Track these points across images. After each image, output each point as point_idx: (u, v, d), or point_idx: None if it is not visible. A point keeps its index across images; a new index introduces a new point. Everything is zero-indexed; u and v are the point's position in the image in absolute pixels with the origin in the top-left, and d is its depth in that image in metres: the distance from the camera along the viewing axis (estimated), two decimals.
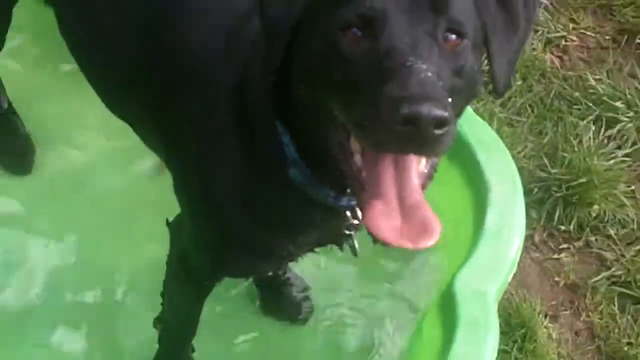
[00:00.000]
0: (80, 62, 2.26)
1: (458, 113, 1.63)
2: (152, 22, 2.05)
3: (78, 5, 2.20)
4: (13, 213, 2.69)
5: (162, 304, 2.33)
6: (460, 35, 1.59)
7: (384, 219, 1.61)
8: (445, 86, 1.54)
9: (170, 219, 2.20)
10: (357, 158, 1.62)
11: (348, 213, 1.77)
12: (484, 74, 1.66)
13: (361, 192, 1.62)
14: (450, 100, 1.52)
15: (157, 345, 2.42)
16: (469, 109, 2.47)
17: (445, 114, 1.44)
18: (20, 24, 2.50)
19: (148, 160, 2.64)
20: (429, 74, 1.50)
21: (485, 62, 1.69)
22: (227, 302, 2.54)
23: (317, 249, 2.10)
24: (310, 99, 1.67)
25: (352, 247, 1.95)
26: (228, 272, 2.27)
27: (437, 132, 1.43)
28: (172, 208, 2.08)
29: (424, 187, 1.66)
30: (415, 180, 1.63)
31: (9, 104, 2.71)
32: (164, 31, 2.01)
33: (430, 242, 1.57)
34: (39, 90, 2.83)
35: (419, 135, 1.44)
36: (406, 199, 1.62)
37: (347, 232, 1.86)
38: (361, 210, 1.68)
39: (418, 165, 1.63)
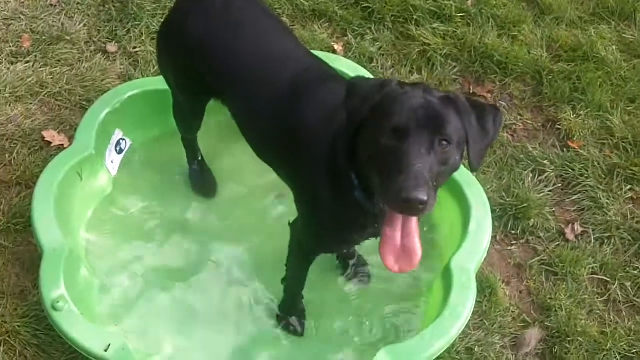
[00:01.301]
0: (243, 131, 3.00)
1: (444, 182, 2.32)
2: (286, 113, 2.74)
3: (243, 103, 2.93)
4: (203, 221, 3.56)
5: (286, 270, 3.14)
6: (448, 142, 2.26)
7: (389, 245, 2.36)
8: (434, 173, 2.21)
9: (291, 221, 3.01)
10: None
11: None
12: (463, 160, 2.35)
13: (384, 222, 2.37)
14: (437, 181, 2.22)
15: (282, 294, 3.26)
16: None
17: (425, 198, 2.12)
18: (209, 113, 3.32)
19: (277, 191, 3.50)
20: (424, 172, 2.17)
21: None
22: (322, 271, 3.33)
23: (369, 239, 2.83)
24: (364, 161, 2.37)
25: None
26: (323, 250, 3.06)
27: (421, 207, 2.15)
28: (292, 216, 2.98)
29: (419, 219, 2.37)
30: (415, 221, 2.36)
31: (203, 159, 3.59)
32: (292, 117, 2.73)
33: (410, 269, 2.36)
34: (218, 150, 3.68)
35: (410, 208, 2.17)
36: (405, 240, 2.35)
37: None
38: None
39: (416, 219, 2.37)
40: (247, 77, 2.84)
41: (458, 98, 2.36)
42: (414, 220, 2.35)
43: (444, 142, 2.25)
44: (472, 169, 2.41)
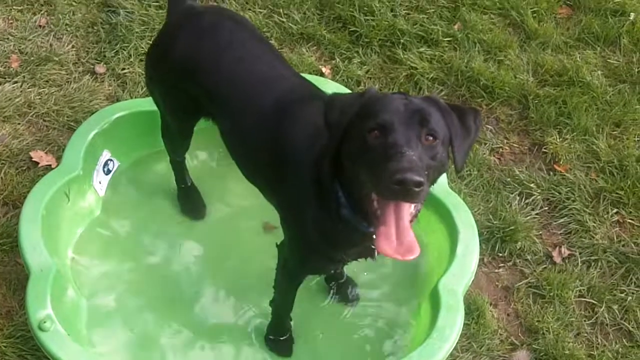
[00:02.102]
0: (231, 151, 3.01)
1: (433, 181, 2.33)
2: (271, 132, 2.75)
3: (231, 122, 2.93)
4: (191, 242, 3.55)
5: (274, 292, 3.12)
6: (434, 137, 2.29)
7: (385, 240, 2.29)
8: (424, 165, 2.21)
9: (278, 243, 3.02)
10: (375, 203, 2.31)
11: (374, 237, 2.34)
12: (449, 162, 2.38)
13: (376, 222, 2.32)
14: (428, 173, 2.21)
15: (270, 316, 3.23)
16: (447, 188, 3.30)
17: (422, 179, 2.09)
18: (197, 134, 3.31)
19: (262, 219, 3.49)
20: (414, 157, 2.17)
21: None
22: (310, 292, 3.36)
23: (358, 259, 2.83)
24: (350, 170, 2.35)
25: (373, 257, 2.67)
26: (311, 271, 3.06)
27: (416, 189, 2.11)
28: (278, 239, 2.99)
29: (411, 221, 2.34)
30: (407, 217, 2.30)
31: (191, 181, 3.59)
32: (277, 136, 2.73)
33: (412, 257, 2.27)
34: (206, 170, 3.69)
35: (406, 191, 2.12)
36: (400, 228, 2.30)
37: (373, 247, 2.47)
38: (374, 233, 2.32)
39: (409, 209, 2.31)
40: (234, 97, 2.86)
41: (437, 99, 2.40)
42: (406, 216, 2.31)
43: (430, 137, 2.27)
44: (457, 169, 2.42)
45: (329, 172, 2.48)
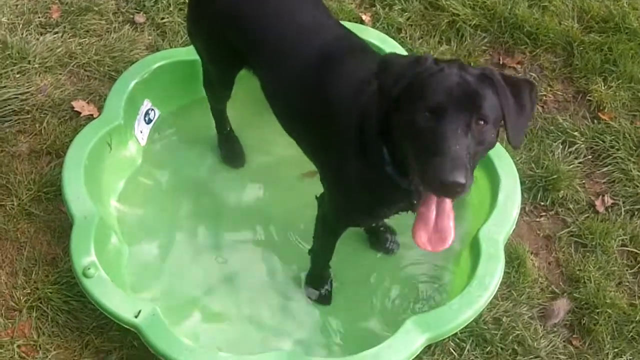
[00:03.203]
0: (271, 103, 3.01)
1: (480, 159, 2.31)
2: (315, 83, 2.73)
3: (272, 73, 2.93)
4: (231, 191, 3.59)
5: (313, 242, 3.17)
6: (485, 121, 2.24)
7: (423, 224, 2.35)
8: (470, 152, 2.19)
9: (317, 195, 3.03)
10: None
11: (414, 201, 2.47)
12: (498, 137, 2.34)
13: (418, 200, 2.38)
14: (474, 160, 2.20)
15: (310, 265, 3.30)
16: None
17: (464, 181, 2.11)
18: (238, 84, 3.30)
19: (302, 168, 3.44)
20: (461, 151, 2.15)
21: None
22: (349, 240, 3.29)
23: (400, 213, 2.83)
24: (398, 140, 2.36)
25: (414, 211, 2.50)
26: (350, 223, 3.06)
27: (459, 190, 2.14)
28: (318, 191, 3.01)
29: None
30: (449, 209, 2.34)
31: (231, 129, 3.62)
32: (320, 87, 2.70)
33: (443, 248, 2.35)
34: (246, 121, 3.70)
35: (448, 191, 2.17)
36: (440, 212, 2.34)
37: (415, 202, 2.52)
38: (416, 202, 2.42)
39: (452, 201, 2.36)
40: (277, 45, 2.84)
41: (494, 74, 2.33)
42: (448, 202, 2.35)
43: (481, 122, 2.23)
44: (513, 147, 2.41)
45: (377, 132, 2.45)
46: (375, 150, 2.50)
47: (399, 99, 2.31)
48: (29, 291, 3.26)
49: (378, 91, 2.40)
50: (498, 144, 3.14)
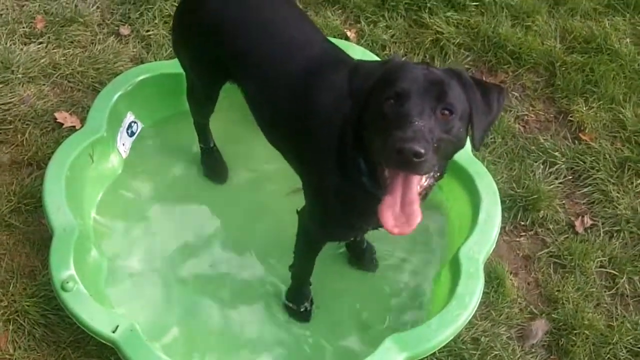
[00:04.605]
0: (255, 115, 3.01)
1: (447, 155, 2.32)
2: (299, 96, 2.74)
3: (257, 86, 2.92)
4: (213, 206, 3.56)
5: (293, 258, 3.16)
6: (450, 111, 2.26)
7: (388, 209, 2.30)
8: (434, 137, 2.18)
9: (298, 209, 3.00)
10: (385, 172, 2.32)
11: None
12: (466, 137, 2.34)
13: (384, 191, 2.33)
14: (438, 145, 2.18)
15: (290, 281, 3.27)
16: (471, 155, 3.28)
17: (422, 150, 2.08)
18: (222, 97, 3.27)
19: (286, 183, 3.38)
20: (423, 127, 2.15)
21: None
22: (329, 257, 3.37)
23: (378, 228, 2.74)
24: (367, 138, 2.34)
25: None
26: (330, 237, 3.06)
27: (416, 160, 2.11)
28: (298, 205, 2.99)
29: (425, 194, 2.37)
30: (415, 188, 2.30)
31: (214, 143, 3.60)
32: (304, 101, 2.72)
33: (409, 231, 2.29)
34: (230, 135, 3.67)
35: (406, 161, 2.12)
36: (405, 199, 2.30)
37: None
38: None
39: (419, 180, 2.31)
40: (262, 59, 2.85)
41: (462, 72, 2.36)
42: (414, 187, 2.31)
43: (446, 111, 2.24)
44: (475, 146, 2.40)
45: (351, 139, 2.46)
46: (353, 161, 2.51)
47: (368, 98, 2.33)
48: (5, 304, 3.23)
49: (350, 96, 2.41)
50: (479, 163, 3.30)
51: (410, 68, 2.31)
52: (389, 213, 2.29)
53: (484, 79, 4.06)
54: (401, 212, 2.29)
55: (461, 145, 2.35)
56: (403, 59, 2.38)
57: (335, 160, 2.60)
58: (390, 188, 2.30)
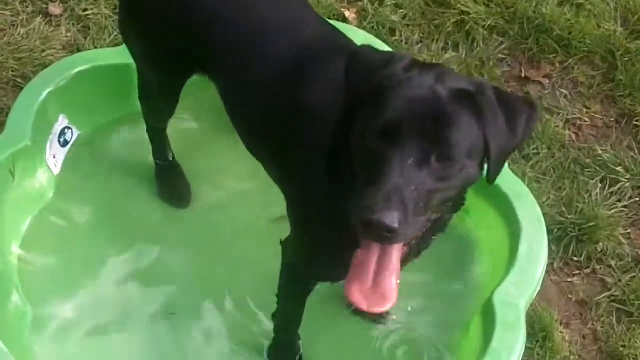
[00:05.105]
0: (231, 114, 2.99)
1: (450, 199, 2.29)
2: (287, 93, 2.73)
3: (234, 79, 2.91)
4: (169, 236, 3.56)
5: (277, 302, 3.12)
6: (449, 159, 2.17)
7: (358, 279, 2.30)
8: (422, 191, 2.12)
9: (282, 240, 2.96)
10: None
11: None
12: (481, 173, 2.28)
13: (357, 250, 2.34)
14: (428, 200, 2.15)
15: (272, 335, 3.24)
16: (507, 170, 3.28)
17: (394, 225, 2.06)
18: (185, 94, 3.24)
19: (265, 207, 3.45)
20: (403, 190, 2.08)
21: None
22: (324, 302, 3.31)
23: None
24: (350, 168, 2.32)
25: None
26: (321, 276, 2.98)
27: (389, 235, 2.08)
28: (282, 235, 2.95)
29: (404, 262, 2.37)
30: (396, 254, 2.28)
31: (173, 156, 3.59)
32: (293, 99, 2.69)
33: (381, 310, 2.32)
34: (194, 144, 3.69)
35: (375, 234, 2.12)
36: (381, 268, 2.28)
37: None
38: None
39: (399, 249, 2.28)
40: (240, 46, 2.83)
41: (484, 91, 2.27)
42: (394, 255, 2.29)
43: (444, 158, 2.18)
44: (488, 179, 2.34)
45: (343, 145, 2.42)
46: (345, 171, 2.45)
47: (362, 100, 2.30)
48: None
49: (346, 88, 2.39)
50: (518, 181, 3.31)
51: (410, 88, 2.24)
52: (356, 284, 2.30)
53: (523, 73, 4.12)
54: (373, 286, 2.29)
55: (471, 184, 2.31)
56: (412, 59, 2.30)
57: (327, 174, 2.57)
58: (364, 248, 2.31)
